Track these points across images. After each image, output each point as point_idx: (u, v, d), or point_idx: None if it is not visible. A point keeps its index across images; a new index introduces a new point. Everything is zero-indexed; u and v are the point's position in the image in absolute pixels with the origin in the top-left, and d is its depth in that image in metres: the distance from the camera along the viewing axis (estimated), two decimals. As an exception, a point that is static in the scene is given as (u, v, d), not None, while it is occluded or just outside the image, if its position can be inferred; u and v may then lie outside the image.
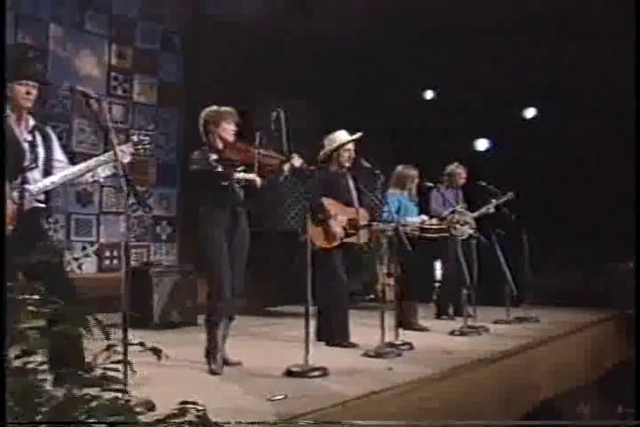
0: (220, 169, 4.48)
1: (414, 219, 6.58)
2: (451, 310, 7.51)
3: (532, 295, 7.61)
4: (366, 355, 5.03)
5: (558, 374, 6.07)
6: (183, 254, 8.51)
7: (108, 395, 2.37)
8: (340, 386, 3.98)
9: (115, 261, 7.89)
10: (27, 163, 3.73)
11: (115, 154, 3.51)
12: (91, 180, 4.01)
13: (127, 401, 2.33)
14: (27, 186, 3.68)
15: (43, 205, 3.81)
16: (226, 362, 4.51)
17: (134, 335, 3.83)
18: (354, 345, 5.43)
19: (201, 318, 5.04)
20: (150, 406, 3.22)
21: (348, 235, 5.61)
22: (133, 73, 8.15)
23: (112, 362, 2.27)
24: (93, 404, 1.94)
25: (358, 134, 5.62)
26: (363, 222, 5.66)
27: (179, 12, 8.55)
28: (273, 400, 3.56)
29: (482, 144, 9.97)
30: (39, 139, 3.86)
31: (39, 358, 2.22)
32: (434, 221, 6.62)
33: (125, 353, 3.17)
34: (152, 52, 8.34)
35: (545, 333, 6.58)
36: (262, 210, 8.51)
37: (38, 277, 3.37)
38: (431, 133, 9.16)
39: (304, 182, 4.62)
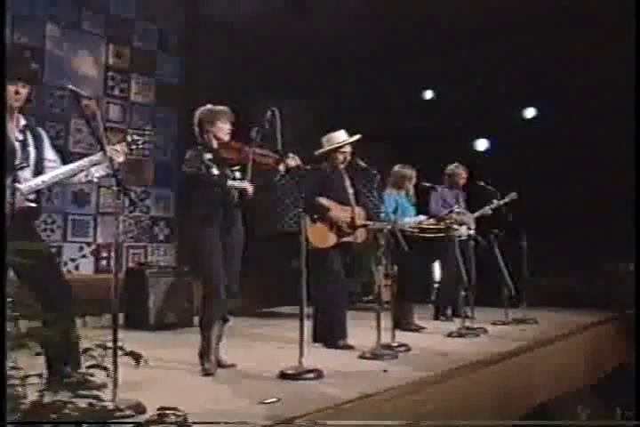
0: (214, 169, 4.45)
1: (411, 219, 6.54)
2: (449, 312, 7.47)
3: (531, 296, 7.55)
4: (362, 357, 4.99)
5: (557, 377, 6.01)
6: (181, 255, 8.46)
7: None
8: (334, 389, 3.93)
9: (112, 262, 7.84)
10: (17, 162, 3.70)
11: (105, 153, 3.46)
12: (84, 180, 3.98)
13: (104, 407, 2.28)
14: (17, 185, 3.64)
15: (33, 205, 3.77)
16: (220, 364, 4.47)
17: (130, 336, 3.80)
18: (350, 347, 5.38)
19: (197, 319, 5.00)
20: (141, 410, 3.18)
21: (345, 234, 5.57)
22: (131, 73, 8.11)
23: (87, 367, 2.23)
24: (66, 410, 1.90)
25: (357, 136, 5.58)
26: (359, 221, 5.62)
27: (176, 11, 8.51)
28: (265, 403, 3.52)
29: (482, 144, 9.93)
30: (30, 138, 3.84)
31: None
32: (431, 221, 6.57)
33: (115, 355, 3.14)
34: (149, 51, 8.30)
35: (544, 334, 6.53)
36: (262, 210, 8.49)
37: (29, 276, 3.36)
38: (431, 133, 9.12)
39: (298, 182, 4.57)
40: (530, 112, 9.67)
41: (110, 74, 7.92)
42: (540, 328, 6.97)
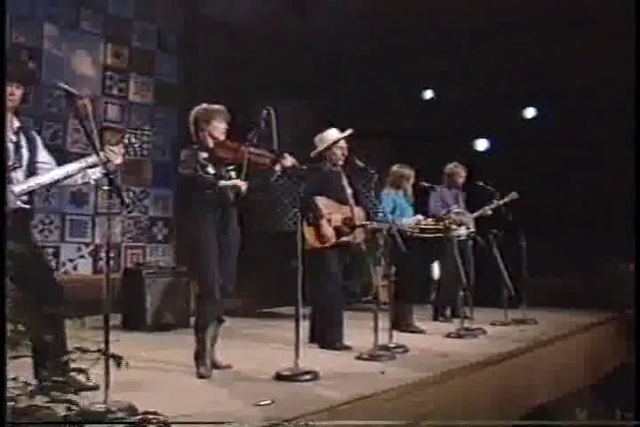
0: (210, 168, 4.43)
1: (409, 219, 6.51)
2: (448, 312, 7.43)
3: (531, 296, 7.52)
4: (359, 358, 4.96)
5: (556, 378, 5.98)
6: (180, 255, 8.44)
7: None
8: (330, 391, 3.91)
9: (110, 262, 7.80)
10: (10, 163, 3.68)
11: (97, 154, 3.44)
12: (80, 181, 3.96)
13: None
14: (10, 186, 3.62)
15: (27, 206, 3.75)
16: (215, 365, 4.45)
17: (127, 337, 3.78)
18: (347, 348, 5.35)
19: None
20: (133, 412, 3.15)
21: (343, 234, 5.54)
22: (129, 72, 8.11)
23: (67, 370, 2.20)
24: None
25: (349, 131, 5.55)
26: (358, 221, 5.59)
27: (175, 11, 8.50)
28: (259, 405, 3.49)
29: (482, 144, 9.90)
30: (24, 140, 3.82)
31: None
32: (430, 221, 6.53)
33: (107, 355, 3.12)
34: (148, 51, 8.30)
35: (543, 335, 6.48)
36: (261, 210, 8.47)
37: (19, 276, 3.33)
38: (431, 133, 9.10)
39: (295, 182, 4.54)
40: (530, 112, 9.64)
41: (109, 74, 7.91)
42: (539, 329, 6.93)
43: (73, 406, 2.19)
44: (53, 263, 7.22)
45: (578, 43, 8.01)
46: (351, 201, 5.63)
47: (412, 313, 6.70)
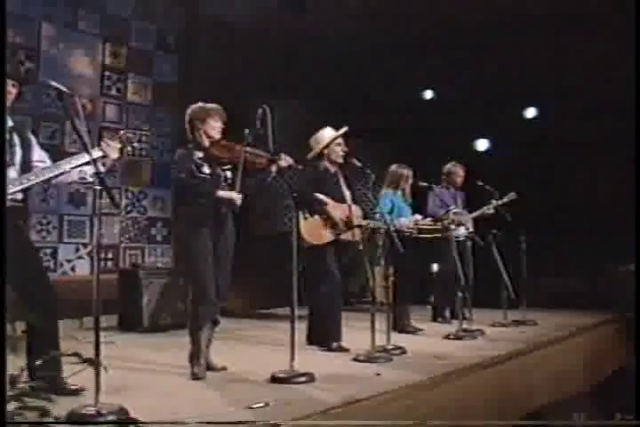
0: (205, 168, 4.41)
1: (407, 219, 6.46)
2: (447, 313, 7.39)
3: (531, 297, 7.47)
4: (356, 360, 4.91)
5: (555, 380, 5.94)
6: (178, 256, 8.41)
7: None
8: (325, 393, 3.86)
9: (108, 263, 7.79)
10: None
11: (87, 152, 3.41)
12: (77, 178, 3.92)
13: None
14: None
15: (20, 205, 3.73)
16: (210, 367, 4.41)
17: (123, 338, 3.76)
18: (344, 349, 5.31)
19: (189, 322, 4.95)
20: (123, 414, 3.11)
21: (341, 231, 5.50)
22: (127, 72, 8.05)
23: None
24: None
25: (345, 128, 5.51)
26: (356, 219, 5.54)
27: (173, 11, 8.46)
28: (253, 408, 3.45)
29: (482, 144, 9.88)
30: (17, 139, 3.80)
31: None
32: (427, 221, 6.49)
33: (97, 356, 3.09)
34: (146, 51, 8.24)
35: (543, 336, 6.44)
36: (260, 210, 8.44)
37: (12, 276, 3.31)
38: (431, 133, 9.07)
39: (287, 181, 4.49)
40: (530, 112, 9.63)
41: (107, 73, 7.85)
42: (539, 330, 6.89)
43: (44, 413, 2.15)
44: (52, 264, 7.19)
45: (578, 43, 7.98)
46: (349, 199, 5.59)
47: (410, 313, 6.66)
